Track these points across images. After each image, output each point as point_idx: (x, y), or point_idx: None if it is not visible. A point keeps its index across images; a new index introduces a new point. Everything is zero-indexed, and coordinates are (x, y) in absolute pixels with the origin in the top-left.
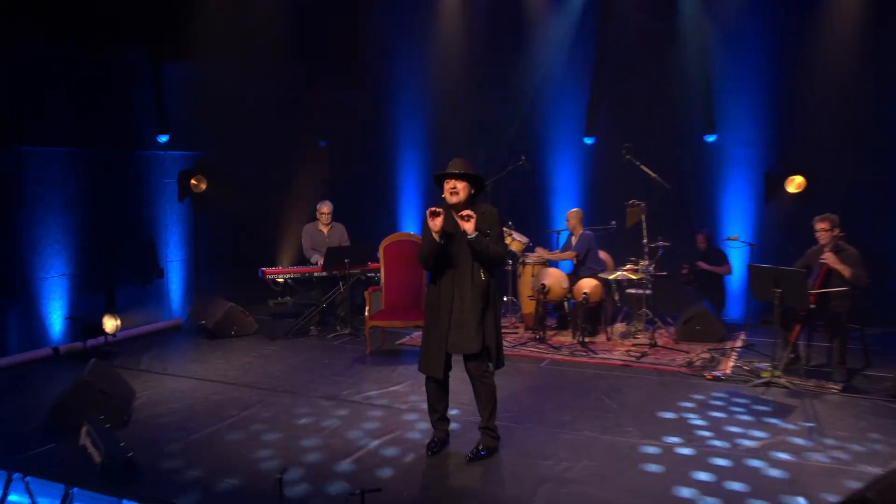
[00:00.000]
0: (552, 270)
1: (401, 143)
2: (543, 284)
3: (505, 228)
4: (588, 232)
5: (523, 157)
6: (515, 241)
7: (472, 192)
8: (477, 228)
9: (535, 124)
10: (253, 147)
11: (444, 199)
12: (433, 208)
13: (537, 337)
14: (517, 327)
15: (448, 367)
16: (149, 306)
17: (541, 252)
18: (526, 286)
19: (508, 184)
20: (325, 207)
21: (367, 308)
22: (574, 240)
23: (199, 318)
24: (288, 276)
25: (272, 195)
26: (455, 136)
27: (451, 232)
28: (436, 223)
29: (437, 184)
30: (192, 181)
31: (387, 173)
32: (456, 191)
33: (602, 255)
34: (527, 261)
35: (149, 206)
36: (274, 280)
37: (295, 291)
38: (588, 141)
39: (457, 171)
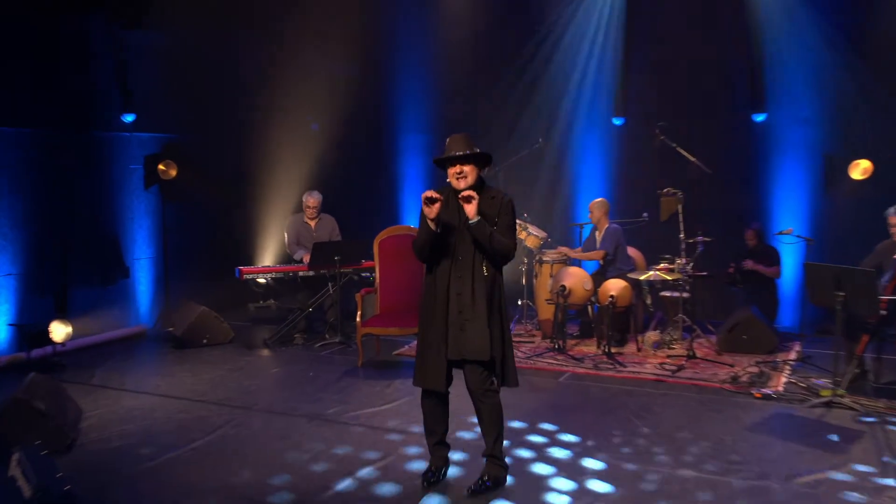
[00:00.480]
0: (573, 270)
1: (402, 125)
2: (563, 286)
3: (519, 221)
4: (615, 226)
5: (540, 140)
6: (531, 236)
7: (480, 172)
8: (481, 213)
9: (554, 102)
10: (232, 129)
11: (447, 183)
12: (429, 193)
13: (556, 347)
14: (533, 335)
15: (449, 378)
16: (110, 311)
17: (564, 250)
18: (543, 288)
19: (524, 170)
20: (312, 200)
21: (359, 313)
22: (599, 235)
23: (167, 325)
24: (269, 276)
25: (254, 184)
26: (463, 117)
27: (452, 222)
28: (431, 210)
29: (441, 167)
30: (161, 166)
31: (387, 159)
32: (463, 174)
33: (631, 252)
34: (544, 258)
35: (112, 195)
36: (254, 281)
37: (279, 294)
38: (617, 122)
39: (461, 153)
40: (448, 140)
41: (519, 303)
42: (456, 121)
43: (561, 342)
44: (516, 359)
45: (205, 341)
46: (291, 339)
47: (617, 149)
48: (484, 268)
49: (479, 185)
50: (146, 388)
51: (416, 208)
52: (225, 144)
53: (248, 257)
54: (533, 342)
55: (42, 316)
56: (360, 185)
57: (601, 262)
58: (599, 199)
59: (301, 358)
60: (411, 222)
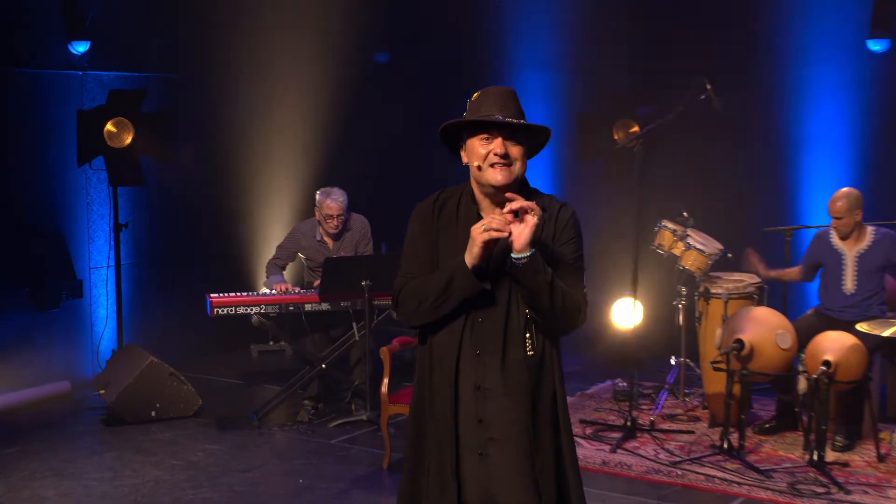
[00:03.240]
0: (761, 313)
1: (517, 59)
2: (740, 340)
3: (672, 226)
4: (889, 232)
5: (709, 85)
6: (694, 251)
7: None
8: (535, 241)
9: (747, 22)
10: (248, 65)
11: (468, 184)
12: (515, 204)
13: (724, 447)
14: (695, 419)
15: None
16: (47, 351)
17: (755, 262)
18: (710, 341)
19: (677, 138)
20: (335, 206)
21: (385, 380)
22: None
23: (100, 385)
24: (259, 309)
25: (263, 156)
26: (603, 48)
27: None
28: (499, 233)
29: (451, 147)
30: (109, 127)
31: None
32: (508, 160)
33: (893, 283)
34: (713, 290)
35: (55, 169)
36: (236, 316)
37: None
38: (875, 47)
39: (507, 119)
40: (478, 95)
41: (672, 362)
42: (594, 53)
43: (736, 438)
44: (656, 459)
45: (153, 414)
46: (295, 411)
47: (872, 94)
48: (529, 340)
49: (520, 188)
50: (20, 500)
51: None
52: (219, 93)
53: (243, 274)
54: (692, 432)
55: None
56: (426, 160)
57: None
58: (847, 189)
59: (300, 447)
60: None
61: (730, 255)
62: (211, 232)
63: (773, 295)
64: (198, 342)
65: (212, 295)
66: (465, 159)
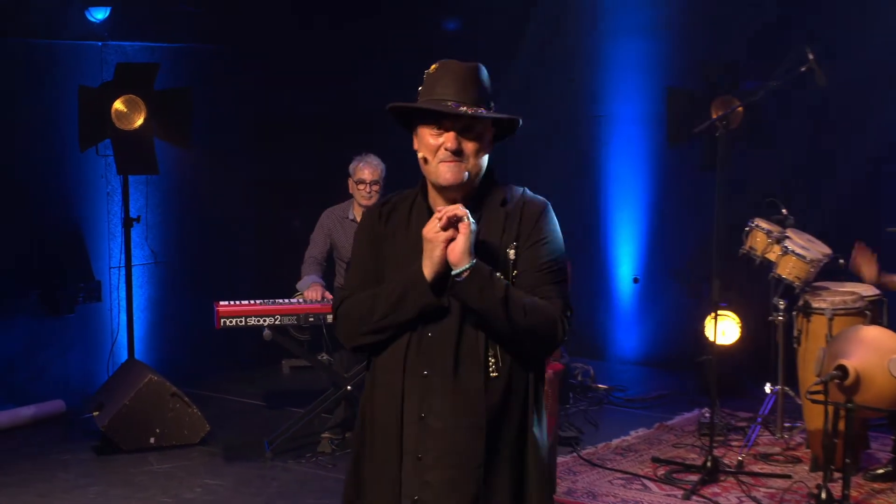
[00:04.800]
0: (874, 333)
1: (610, 23)
2: (843, 366)
3: (766, 226)
4: None
5: (811, 55)
6: (792, 256)
7: (486, 147)
8: (482, 246)
9: None
10: (289, 34)
11: (425, 182)
12: (449, 210)
13: (823, 497)
14: (796, 462)
15: None
16: (55, 363)
17: (864, 265)
18: (810, 366)
19: (778, 118)
20: (367, 168)
21: None
22: None
23: (94, 406)
24: (273, 319)
25: (308, 138)
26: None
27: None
28: (456, 235)
29: (407, 127)
30: (117, 106)
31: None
32: (461, 157)
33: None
34: (814, 303)
35: (71, 153)
36: (249, 329)
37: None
38: None
39: (462, 109)
40: (436, 68)
41: (767, 390)
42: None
43: (841, 483)
44: None
45: (152, 440)
46: (317, 441)
47: None
48: (492, 359)
49: (483, 186)
50: None
51: (621, 179)
52: (252, 66)
53: (281, 276)
54: (789, 476)
55: None
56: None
57: None
58: None
59: (315, 485)
60: (614, 214)
61: (841, 260)
62: (242, 228)
63: None
64: (223, 355)
65: (220, 303)
66: (415, 145)
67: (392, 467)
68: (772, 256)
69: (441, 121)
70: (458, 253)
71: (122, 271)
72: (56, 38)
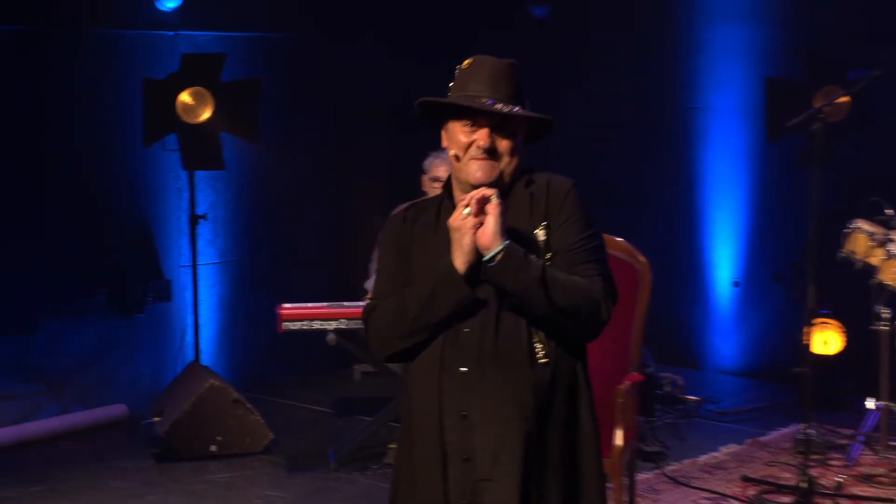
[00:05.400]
0: None
1: (706, 9)
2: None
3: (874, 229)
4: None
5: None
6: None
7: (519, 146)
8: (511, 231)
9: None
10: (377, 23)
11: (445, 184)
12: (479, 194)
13: None
14: None
15: None
16: (123, 366)
17: None
18: None
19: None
20: (444, 165)
21: None
22: None
23: (155, 411)
24: (339, 323)
25: (390, 136)
26: None
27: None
28: (484, 224)
29: (435, 122)
30: (183, 98)
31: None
32: (494, 155)
33: None
34: None
35: (139, 148)
36: (314, 334)
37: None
38: None
39: (497, 106)
40: (469, 63)
41: (870, 405)
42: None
43: None
44: None
45: (213, 448)
46: (383, 453)
47: None
48: (540, 346)
49: (511, 183)
50: None
51: (719, 180)
52: (330, 56)
53: (357, 278)
54: (894, 499)
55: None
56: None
57: None
58: None
59: (382, 496)
60: (711, 212)
61: None
62: (313, 226)
63: None
64: (292, 358)
65: (283, 305)
66: (444, 142)
67: (436, 470)
68: (874, 261)
69: (474, 117)
70: (489, 235)
71: (191, 270)
72: (127, 28)
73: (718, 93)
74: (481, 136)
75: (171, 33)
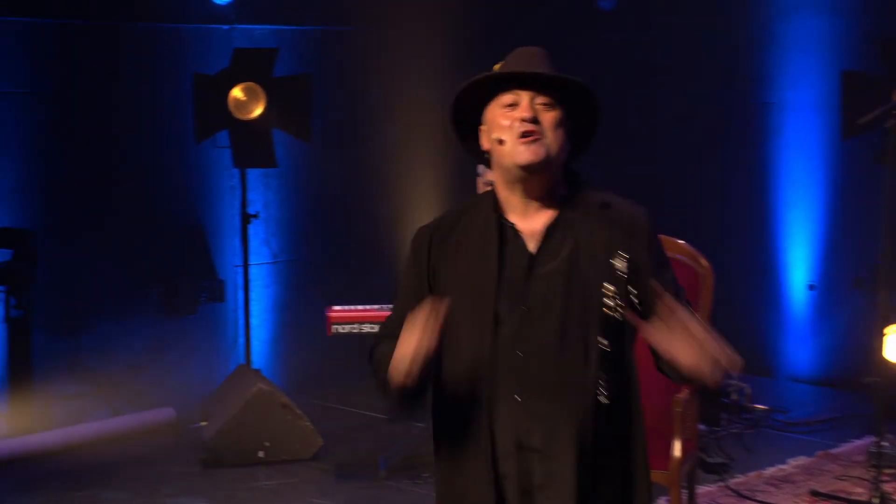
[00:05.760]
0: None
1: (783, 0)
2: None
3: None
4: None
5: None
6: None
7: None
8: (582, 253)
9: None
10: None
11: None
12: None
13: None
14: None
15: None
16: (175, 367)
17: None
18: None
19: None
20: None
21: None
22: None
23: (204, 415)
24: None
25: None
26: None
27: (483, 278)
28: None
29: (464, 138)
30: (235, 94)
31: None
32: (538, 130)
33: None
34: None
35: (192, 145)
36: (353, 330)
37: None
38: None
39: (534, 70)
40: (511, 56)
41: None
42: None
43: None
44: None
45: (261, 454)
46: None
47: None
48: (602, 384)
49: (571, 184)
50: None
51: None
52: (388, 51)
53: None
54: None
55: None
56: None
57: None
58: None
59: None
60: (785, 212)
61: None
62: (371, 225)
63: None
64: (346, 361)
65: (332, 308)
66: (485, 144)
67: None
68: None
69: (512, 88)
70: (717, 372)
71: (245, 270)
72: (182, 22)
73: (792, 87)
74: (523, 107)
75: (226, 27)
